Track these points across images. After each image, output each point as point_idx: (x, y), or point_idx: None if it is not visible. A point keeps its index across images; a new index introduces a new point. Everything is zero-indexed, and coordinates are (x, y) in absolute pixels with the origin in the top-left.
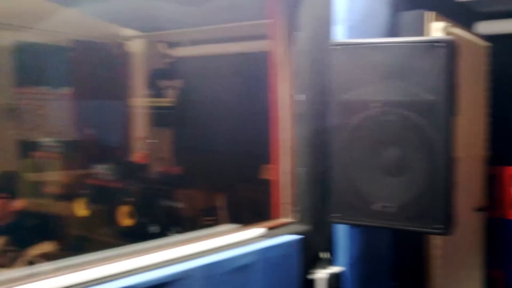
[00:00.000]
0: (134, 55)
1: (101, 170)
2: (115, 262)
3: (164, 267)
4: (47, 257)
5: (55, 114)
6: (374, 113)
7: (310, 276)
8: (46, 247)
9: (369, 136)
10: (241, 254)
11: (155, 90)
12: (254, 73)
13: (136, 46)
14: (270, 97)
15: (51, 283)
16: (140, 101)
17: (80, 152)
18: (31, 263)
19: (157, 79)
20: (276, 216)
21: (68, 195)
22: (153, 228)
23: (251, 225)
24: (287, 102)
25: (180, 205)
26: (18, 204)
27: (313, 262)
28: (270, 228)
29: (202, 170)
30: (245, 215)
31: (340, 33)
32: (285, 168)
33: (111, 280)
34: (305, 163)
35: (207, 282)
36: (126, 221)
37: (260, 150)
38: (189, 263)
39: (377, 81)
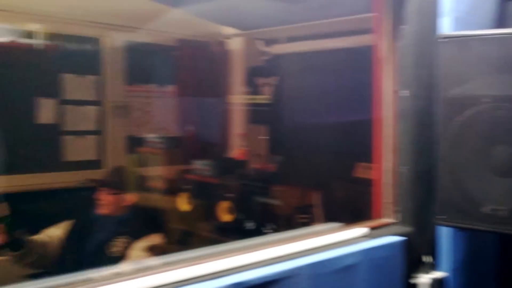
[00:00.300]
0: (233, 53)
1: (201, 166)
2: (223, 258)
3: (271, 264)
4: (155, 249)
5: (160, 111)
6: (484, 109)
7: (412, 281)
8: (155, 239)
9: (479, 134)
10: (346, 254)
11: (252, 87)
12: (355, 69)
13: (235, 44)
14: (373, 93)
15: (160, 278)
16: (238, 98)
17: (181, 148)
18: (139, 256)
19: (254, 76)
20: (378, 216)
21: (171, 189)
22: (250, 225)
23: (353, 224)
24: (390, 98)
25: (275, 202)
26: (129, 198)
27: (416, 265)
28: (372, 228)
29: (297, 168)
30: (340, 213)
31: (446, 25)
32: (387, 166)
33: (219, 277)
34: (408, 161)
35: (314, 281)
36: (226, 217)
37: (355, 148)
38: (295, 262)
39: (488, 75)
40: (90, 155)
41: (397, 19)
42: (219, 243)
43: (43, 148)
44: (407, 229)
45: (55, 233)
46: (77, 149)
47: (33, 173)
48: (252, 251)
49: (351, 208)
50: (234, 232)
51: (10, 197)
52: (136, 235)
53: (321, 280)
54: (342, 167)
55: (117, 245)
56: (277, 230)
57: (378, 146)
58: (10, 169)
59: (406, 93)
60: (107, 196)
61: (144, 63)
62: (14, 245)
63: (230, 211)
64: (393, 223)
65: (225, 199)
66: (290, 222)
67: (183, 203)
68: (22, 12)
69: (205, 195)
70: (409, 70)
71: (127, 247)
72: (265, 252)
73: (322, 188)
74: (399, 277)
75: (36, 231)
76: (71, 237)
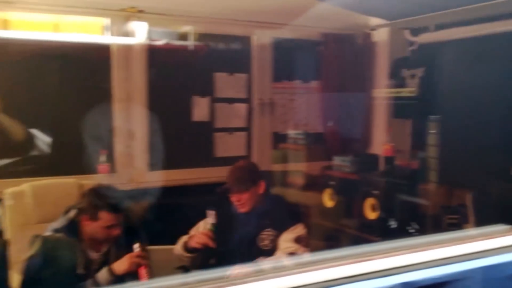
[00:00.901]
0: (378, 45)
1: (342, 162)
2: (390, 256)
3: (438, 266)
4: (302, 240)
5: (303, 107)
6: None
7: None
8: (300, 230)
9: None
10: None
11: (397, 79)
12: None
13: (381, 35)
14: None
15: (325, 273)
16: (382, 92)
17: (323, 144)
18: (289, 247)
19: (399, 68)
20: None
21: (313, 186)
22: (392, 223)
23: None
24: None
25: (419, 200)
26: (261, 187)
27: None
28: None
29: (444, 165)
30: (494, 214)
31: None
32: None
33: (387, 275)
34: None
35: (485, 285)
36: (370, 214)
37: None
38: (465, 264)
39: None
40: (239, 151)
41: None
42: (364, 241)
43: (197, 144)
44: None
45: (206, 226)
46: (227, 145)
47: (189, 168)
48: (419, 251)
49: (508, 208)
50: (378, 230)
51: (168, 191)
52: (280, 227)
53: (493, 286)
54: (496, 164)
55: (265, 238)
56: (420, 229)
57: None
58: (169, 164)
59: None
60: (240, 196)
61: (289, 60)
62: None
63: (374, 208)
64: None
65: (369, 196)
66: (436, 222)
67: (327, 199)
68: (176, 15)
69: (348, 191)
70: None
71: (274, 239)
72: (432, 252)
73: (473, 187)
74: None
75: (190, 223)
76: (219, 229)
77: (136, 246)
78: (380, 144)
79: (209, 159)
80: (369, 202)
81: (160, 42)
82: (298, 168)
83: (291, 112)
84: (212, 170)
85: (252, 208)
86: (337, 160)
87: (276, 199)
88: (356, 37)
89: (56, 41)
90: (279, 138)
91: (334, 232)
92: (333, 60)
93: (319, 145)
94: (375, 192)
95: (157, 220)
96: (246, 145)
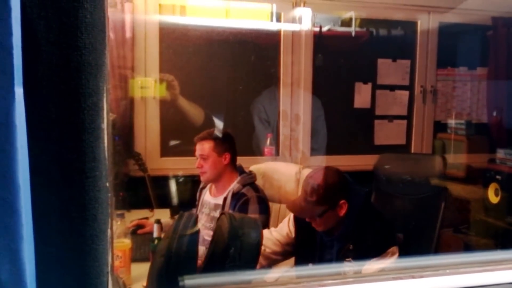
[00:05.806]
0: None
1: (507, 155)
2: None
3: None
4: None
5: (466, 95)
6: None
7: None
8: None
9: None
10: None
11: None
12: None
13: None
14: None
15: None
16: None
17: (486, 135)
18: None
19: None
20: None
21: (474, 178)
22: None
23: None
24: None
25: None
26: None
27: None
28: None
29: None
30: None
31: None
32: None
33: None
34: None
35: None
36: None
37: None
38: None
39: None
40: (399, 140)
41: None
42: None
43: (357, 131)
44: None
45: None
46: (386, 133)
47: (348, 154)
48: None
49: None
50: None
51: None
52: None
53: None
54: None
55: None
56: None
57: None
58: (328, 149)
59: None
60: (314, 221)
61: (455, 45)
62: None
63: None
64: None
65: None
66: None
67: (492, 195)
68: (340, 1)
69: None
70: None
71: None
72: None
73: None
74: None
75: None
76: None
77: None
78: None
79: (368, 147)
80: None
81: (324, 29)
82: (458, 159)
83: (454, 100)
84: (371, 158)
85: (331, 229)
86: (501, 153)
87: (365, 215)
88: None
89: (229, 27)
90: (438, 127)
91: (501, 231)
92: (503, 46)
93: (482, 136)
94: None
95: None
96: (406, 134)
